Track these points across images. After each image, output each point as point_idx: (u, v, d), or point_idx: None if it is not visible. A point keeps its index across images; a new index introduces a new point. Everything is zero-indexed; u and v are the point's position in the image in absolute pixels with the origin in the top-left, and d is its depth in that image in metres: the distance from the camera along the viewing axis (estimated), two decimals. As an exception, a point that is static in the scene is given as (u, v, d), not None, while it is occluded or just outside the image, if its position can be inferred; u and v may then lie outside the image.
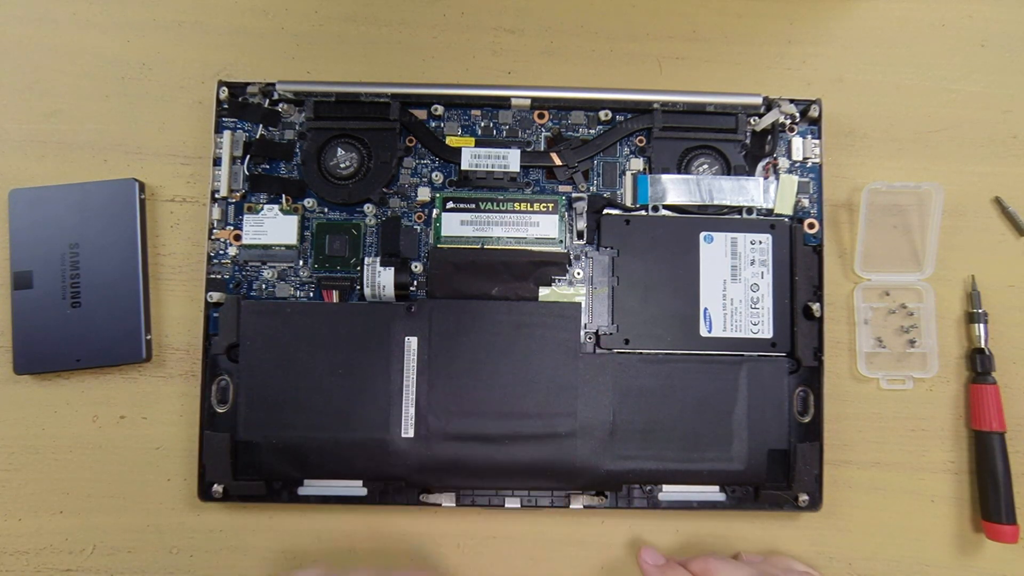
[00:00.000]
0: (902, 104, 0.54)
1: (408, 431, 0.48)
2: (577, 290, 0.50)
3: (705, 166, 0.51)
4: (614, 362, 0.49)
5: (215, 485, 0.48)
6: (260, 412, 0.48)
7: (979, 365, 0.51)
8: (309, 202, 0.50)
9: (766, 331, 0.50)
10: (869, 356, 0.52)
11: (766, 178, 0.51)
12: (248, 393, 0.48)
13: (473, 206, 0.50)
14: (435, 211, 0.50)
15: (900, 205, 0.53)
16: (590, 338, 0.50)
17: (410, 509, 0.50)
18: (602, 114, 0.52)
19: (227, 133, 0.50)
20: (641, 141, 0.52)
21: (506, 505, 0.49)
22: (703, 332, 0.50)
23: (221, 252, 0.50)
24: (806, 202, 0.52)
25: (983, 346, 0.51)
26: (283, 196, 0.50)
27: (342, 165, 0.50)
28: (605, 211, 0.51)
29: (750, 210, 0.51)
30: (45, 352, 0.49)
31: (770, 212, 0.51)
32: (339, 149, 0.50)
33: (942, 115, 0.54)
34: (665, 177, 0.51)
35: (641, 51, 0.54)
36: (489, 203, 0.51)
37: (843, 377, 0.52)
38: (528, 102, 0.51)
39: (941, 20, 0.55)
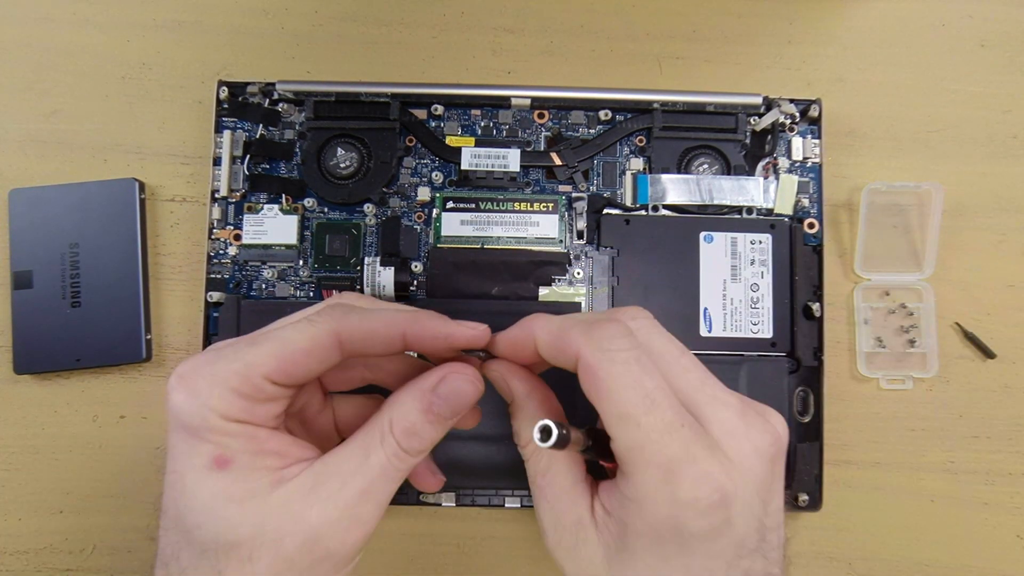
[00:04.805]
0: (902, 104, 0.54)
1: (408, 431, 0.48)
2: (577, 290, 0.50)
3: (705, 166, 0.51)
4: (614, 362, 0.49)
5: (215, 485, 0.47)
6: (260, 412, 0.48)
7: None
8: (309, 202, 0.50)
9: (766, 331, 0.50)
10: (869, 356, 0.52)
11: (766, 178, 0.51)
12: (248, 393, 0.48)
13: (473, 206, 0.50)
14: (435, 211, 0.50)
15: (900, 205, 0.53)
16: (590, 338, 0.50)
17: (410, 509, 0.50)
18: (602, 114, 0.52)
19: (227, 133, 0.50)
20: (641, 141, 0.52)
21: (506, 505, 0.49)
22: (703, 332, 0.50)
23: (221, 252, 0.50)
24: (806, 202, 0.52)
25: None
26: (283, 196, 0.50)
27: (342, 165, 0.50)
28: (605, 211, 0.51)
29: (750, 210, 0.51)
30: (45, 352, 0.49)
31: (770, 212, 0.51)
32: (339, 149, 0.50)
33: (942, 115, 0.54)
34: (665, 177, 0.51)
35: (641, 51, 0.54)
36: (489, 203, 0.51)
37: (843, 377, 0.52)
38: (528, 102, 0.51)
39: (941, 20, 0.55)
